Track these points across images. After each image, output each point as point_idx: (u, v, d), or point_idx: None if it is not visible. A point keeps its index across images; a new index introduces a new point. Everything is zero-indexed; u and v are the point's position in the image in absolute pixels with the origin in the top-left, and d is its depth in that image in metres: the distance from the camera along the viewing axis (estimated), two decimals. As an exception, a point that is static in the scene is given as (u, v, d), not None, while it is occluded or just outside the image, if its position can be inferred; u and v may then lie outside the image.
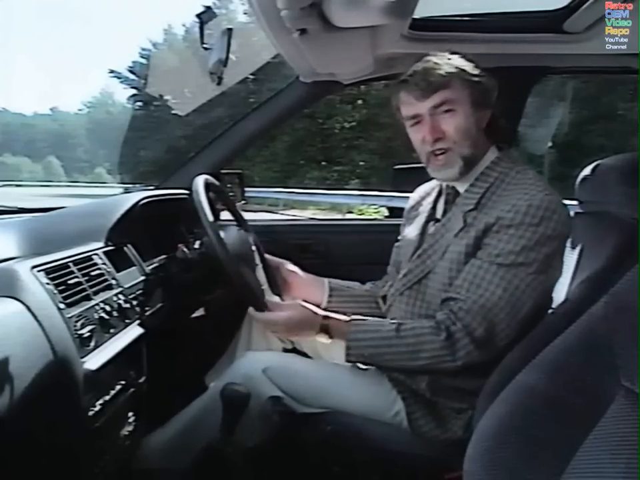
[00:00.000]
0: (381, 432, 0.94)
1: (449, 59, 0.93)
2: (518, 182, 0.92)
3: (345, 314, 0.98)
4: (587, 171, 1.05)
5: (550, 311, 0.93)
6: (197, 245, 1.08)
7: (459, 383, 0.92)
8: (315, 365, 1.05)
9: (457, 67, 0.92)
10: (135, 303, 0.93)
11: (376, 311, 1.15)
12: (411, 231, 1.09)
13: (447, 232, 0.97)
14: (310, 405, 0.95)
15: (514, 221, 0.86)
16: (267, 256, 1.21)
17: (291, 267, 1.19)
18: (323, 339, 0.95)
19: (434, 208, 1.06)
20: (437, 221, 1.03)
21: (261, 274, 1.15)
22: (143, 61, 19.96)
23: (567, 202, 0.95)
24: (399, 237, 1.17)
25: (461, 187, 0.99)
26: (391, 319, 1.05)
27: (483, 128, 0.96)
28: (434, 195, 1.08)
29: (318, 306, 1.02)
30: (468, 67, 0.93)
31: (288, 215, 8.56)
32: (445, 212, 1.02)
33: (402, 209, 1.21)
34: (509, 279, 0.86)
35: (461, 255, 0.91)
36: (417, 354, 0.88)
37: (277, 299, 1.15)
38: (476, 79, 0.93)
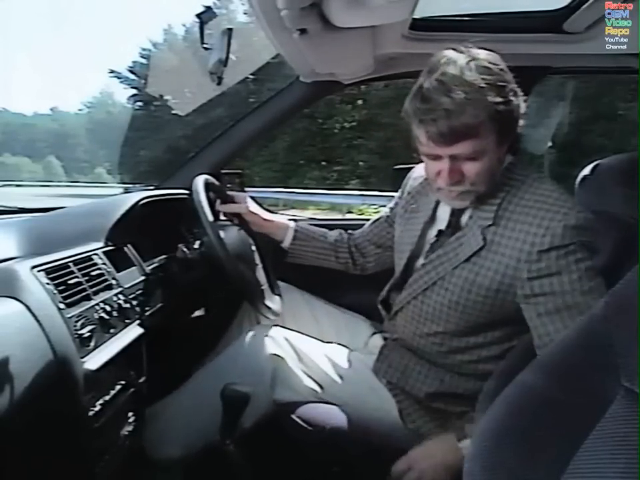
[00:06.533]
0: (381, 431, 0.94)
1: (473, 83, 0.77)
2: (540, 196, 0.83)
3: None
4: (586, 170, 1.05)
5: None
6: (196, 245, 1.08)
7: (459, 389, 0.93)
8: (320, 346, 1.05)
9: (488, 103, 0.77)
10: (135, 302, 0.93)
11: (340, 261, 1.21)
12: (406, 232, 1.04)
13: (460, 246, 0.89)
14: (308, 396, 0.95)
15: (552, 244, 0.79)
16: (230, 192, 1.18)
17: (253, 207, 1.18)
18: None
19: (434, 213, 0.99)
20: (440, 231, 0.96)
21: (260, 274, 1.15)
22: (143, 60, 19.95)
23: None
24: (387, 214, 1.18)
25: None
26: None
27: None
28: (432, 197, 0.99)
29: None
30: (495, 89, 0.78)
31: (288, 214, 8.53)
32: (450, 223, 0.94)
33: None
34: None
35: (493, 283, 0.85)
36: None
37: (277, 299, 1.16)
38: (503, 107, 0.78)
